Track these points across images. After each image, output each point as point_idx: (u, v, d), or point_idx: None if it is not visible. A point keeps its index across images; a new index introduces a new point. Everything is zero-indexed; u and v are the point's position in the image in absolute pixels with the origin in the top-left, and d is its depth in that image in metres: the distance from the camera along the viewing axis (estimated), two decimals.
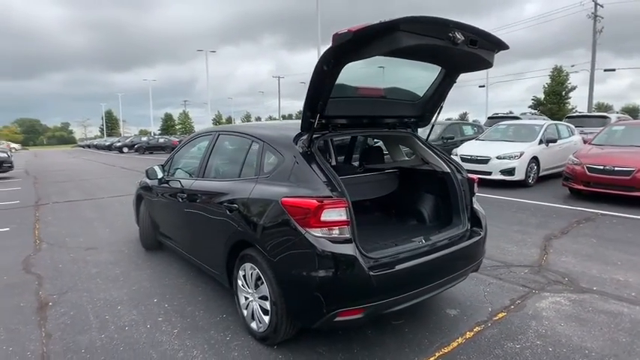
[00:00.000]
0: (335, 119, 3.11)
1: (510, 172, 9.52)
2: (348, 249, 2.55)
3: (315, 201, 2.56)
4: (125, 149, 40.42)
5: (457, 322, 3.33)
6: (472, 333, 3.14)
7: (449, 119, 21.48)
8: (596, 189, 7.87)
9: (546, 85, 46.59)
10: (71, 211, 8.38)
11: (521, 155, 9.57)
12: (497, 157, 9.67)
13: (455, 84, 3.38)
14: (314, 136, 2.92)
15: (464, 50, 2.64)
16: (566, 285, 4.02)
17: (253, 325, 3.08)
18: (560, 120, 14.66)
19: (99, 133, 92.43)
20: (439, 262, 2.92)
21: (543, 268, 4.47)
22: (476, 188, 3.52)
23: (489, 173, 9.66)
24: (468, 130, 13.80)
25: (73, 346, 3.05)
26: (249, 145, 3.43)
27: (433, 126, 3.72)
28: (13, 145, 60.79)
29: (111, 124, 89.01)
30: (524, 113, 18.82)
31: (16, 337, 3.21)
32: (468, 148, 10.53)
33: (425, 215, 3.78)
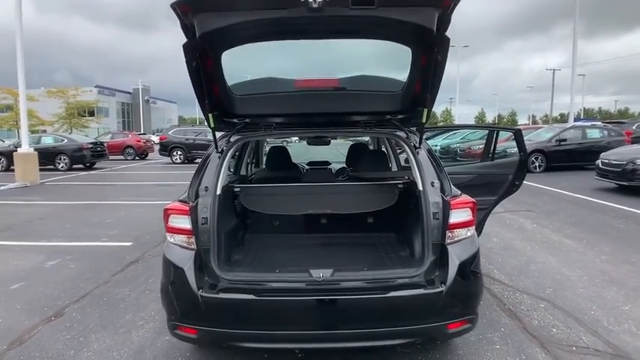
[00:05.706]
0: (266, 118, 2.79)
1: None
2: (183, 260, 2.36)
3: (169, 205, 2.52)
4: None
5: None
6: None
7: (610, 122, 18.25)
8: None
9: None
10: None
11: None
12: (632, 162, 8.66)
13: (441, 67, 2.23)
14: (233, 138, 2.77)
15: (351, 15, 1.93)
16: None
17: None
18: None
19: None
20: (332, 307, 2.30)
21: None
22: (462, 218, 2.45)
23: (621, 178, 8.92)
24: (594, 134, 14.27)
25: None
26: None
27: (424, 127, 2.66)
28: None
29: None
30: None
31: None
32: (612, 153, 9.91)
33: (393, 243, 3.23)
